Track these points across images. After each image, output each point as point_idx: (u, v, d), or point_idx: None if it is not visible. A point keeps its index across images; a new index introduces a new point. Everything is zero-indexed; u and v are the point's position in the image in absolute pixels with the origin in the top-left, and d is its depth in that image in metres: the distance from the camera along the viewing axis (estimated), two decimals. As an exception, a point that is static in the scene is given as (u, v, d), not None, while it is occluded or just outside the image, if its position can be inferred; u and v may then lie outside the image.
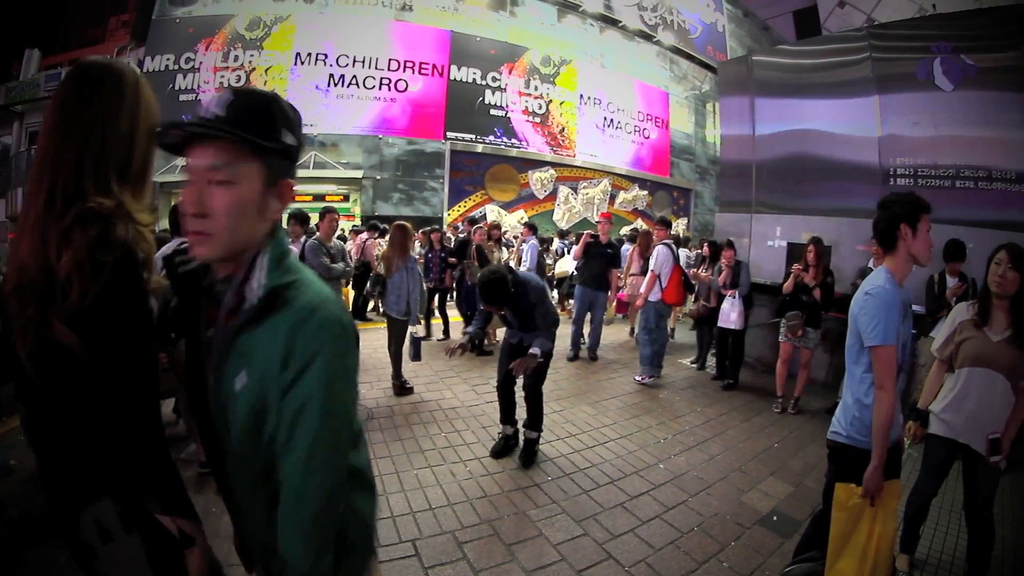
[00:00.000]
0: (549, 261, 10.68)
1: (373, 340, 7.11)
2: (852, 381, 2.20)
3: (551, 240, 12.12)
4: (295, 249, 4.71)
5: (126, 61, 1.19)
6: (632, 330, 8.43)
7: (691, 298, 7.28)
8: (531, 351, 3.66)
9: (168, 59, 15.76)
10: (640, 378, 6.19)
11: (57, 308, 0.96)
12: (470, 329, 4.10)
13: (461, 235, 9.16)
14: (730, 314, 6.02)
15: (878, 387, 2.06)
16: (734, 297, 6.03)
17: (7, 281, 1.03)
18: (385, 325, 5.48)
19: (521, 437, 4.05)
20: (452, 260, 7.60)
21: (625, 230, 11.26)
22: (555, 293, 10.51)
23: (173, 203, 15.50)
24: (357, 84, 16.57)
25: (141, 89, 1.16)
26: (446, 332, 7.61)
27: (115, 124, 1.09)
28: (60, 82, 1.09)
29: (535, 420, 3.97)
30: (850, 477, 2.11)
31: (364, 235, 9.32)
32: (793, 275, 5.32)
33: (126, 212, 1.05)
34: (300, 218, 5.47)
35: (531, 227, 8.76)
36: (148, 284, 1.05)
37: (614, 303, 7.92)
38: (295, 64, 16.18)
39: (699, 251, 9.18)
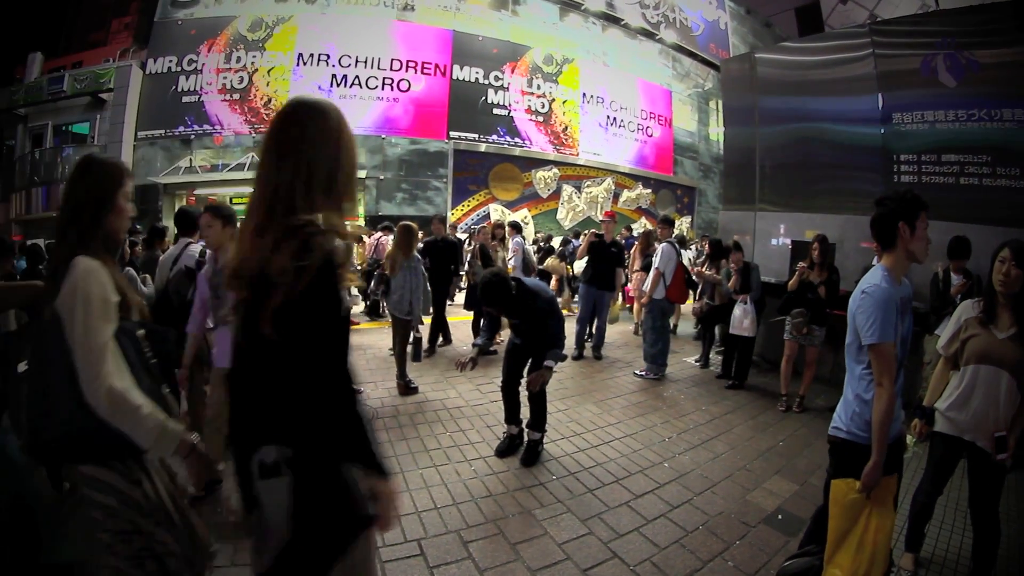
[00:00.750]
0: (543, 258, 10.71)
1: (378, 340, 7.13)
2: (852, 378, 2.22)
3: (569, 240, 12.10)
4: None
5: (326, 99, 1.37)
6: (636, 329, 8.44)
7: (694, 295, 7.28)
8: (545, 363, 3.73)
9: (170, 61, 15.83)
10: (642, 372, 6.19)
11: (269, 300, 1.15)
12: (478, 341, 4.07)
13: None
14: (743, 321, 5.87)
15: (877, 384, 2.07)
16: (746, 303, 5.88)
17: (228, 265, 1.29)
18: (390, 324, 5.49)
19: (525, 437, 4.05)
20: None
21: (623, 231, 11.35)
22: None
23: (178, 205, 15.61)
24: (360, 84, 16.60)
25: (343, 123, 1.33)
26: (445, 338, 7.27)
27: (323, 151, 1.28)
28: (277, 113, 1.30)
29: (538, 421, 3.98)
30: (851, 472, 2.12)
31: (379, 234, 9.37)
32: (798, 273, 5.30)
33: (328, 225, 1.21)
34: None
35: (515, 227, 8.75)
36: (342, 281, 1.22)
37: (618, 300, 7.92)
38: (297, 65, 16.22)
39: (699, 247, 9.18)
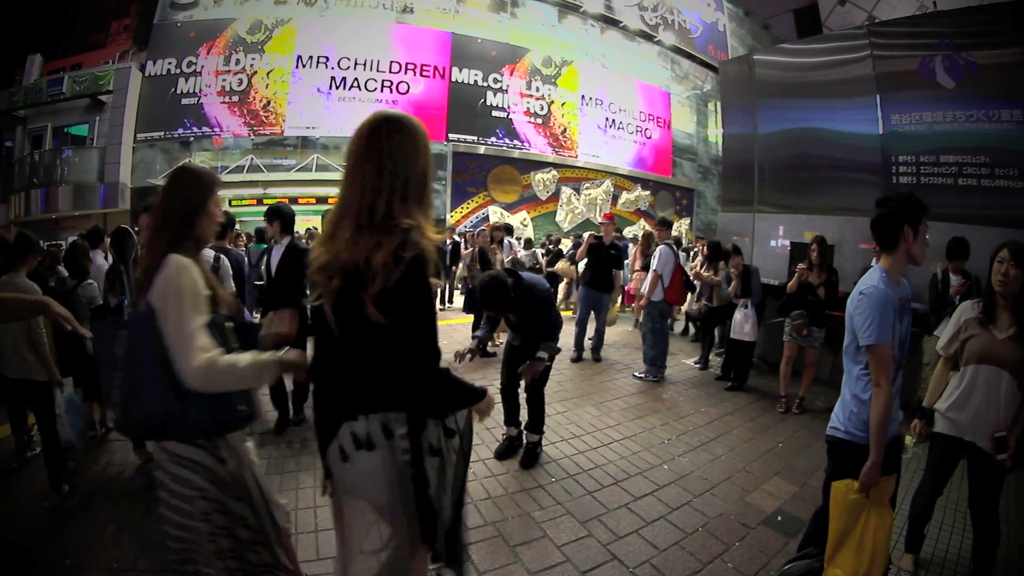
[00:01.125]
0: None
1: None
2: (850, 378, 2.22)
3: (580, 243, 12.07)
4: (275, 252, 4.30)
5: (405, 114, 1.51)
6: (636, 321, 8.44)
7: (691, 297, 7.28)
8: (538, 355, 3.67)
9: (170, 63, 15.83)
10: (641, 374, 6.19)
11: (366, 290, 1.31)
12: (479, 333, 4.03)
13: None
14: (743, 325, 5.84)
15: (875, 384, 2.07)
16: (746, 307, 5.84)
17: (315, 260, 1.43)
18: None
19: (524, 439, 4.04)
20: None
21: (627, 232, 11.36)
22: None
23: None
24: (359, 86, 16.61)
25: (427, 139, 1.50)
26: None
27: (416, 164, 1.45)
28: (372, 125, 1.44)
29: (536, 423, 3.96)
30: (849, 472, 2.12)
31: None
32: (798, 275, 5.29)
33: (421, 228, 1.39)
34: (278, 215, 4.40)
35: (507, 228, 8.76)
36: (430, 274, 1.39)
37: (617, 303, 7.92)
38: (296, 67, 16.23)
39: (695, 249, 9.16)
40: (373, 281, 1.30)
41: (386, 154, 1.40)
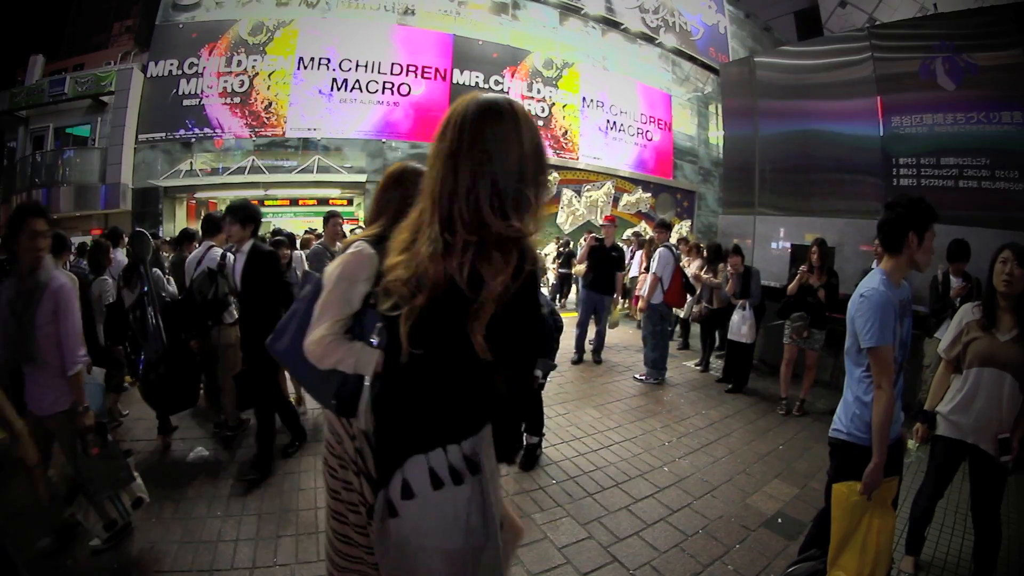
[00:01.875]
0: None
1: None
2: (852, 380, 2.22)
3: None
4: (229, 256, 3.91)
5: (510, 99, 1.27)
6: (640, 323, 8.46)
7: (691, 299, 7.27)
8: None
9: (172, 64, 15.83)
10: (642, 376, 6.18)
11: (468, 311, 1.09)
12: None
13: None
14: (741, 327, 5.82)
15: (876, 386, 2.07)
16: (744, 308, 5.83)
17: (392, 270, 1.18)
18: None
19: (523, 441, 4.04)
20: None
21: (628, 232, 11.31)
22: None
23: (179, 208, 15.59)
24: (360, 88, 16.60)
25: (533, 126, 1.26)
26: None
27: (534, 154, 1.22)
28: (476, 113, 1.21)
29: (535, 425, 3.97)
30: (851, 474, 2.12)
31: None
32: (799, 277, 5.28)
33: (531, 235, 1.17)
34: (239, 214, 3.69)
35: None
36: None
37: (618, 305, 7.91)
38: (298, 69, 16.21)
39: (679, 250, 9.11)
40: (483, 305, 1.09)
41: (492, 146, 1.17)
